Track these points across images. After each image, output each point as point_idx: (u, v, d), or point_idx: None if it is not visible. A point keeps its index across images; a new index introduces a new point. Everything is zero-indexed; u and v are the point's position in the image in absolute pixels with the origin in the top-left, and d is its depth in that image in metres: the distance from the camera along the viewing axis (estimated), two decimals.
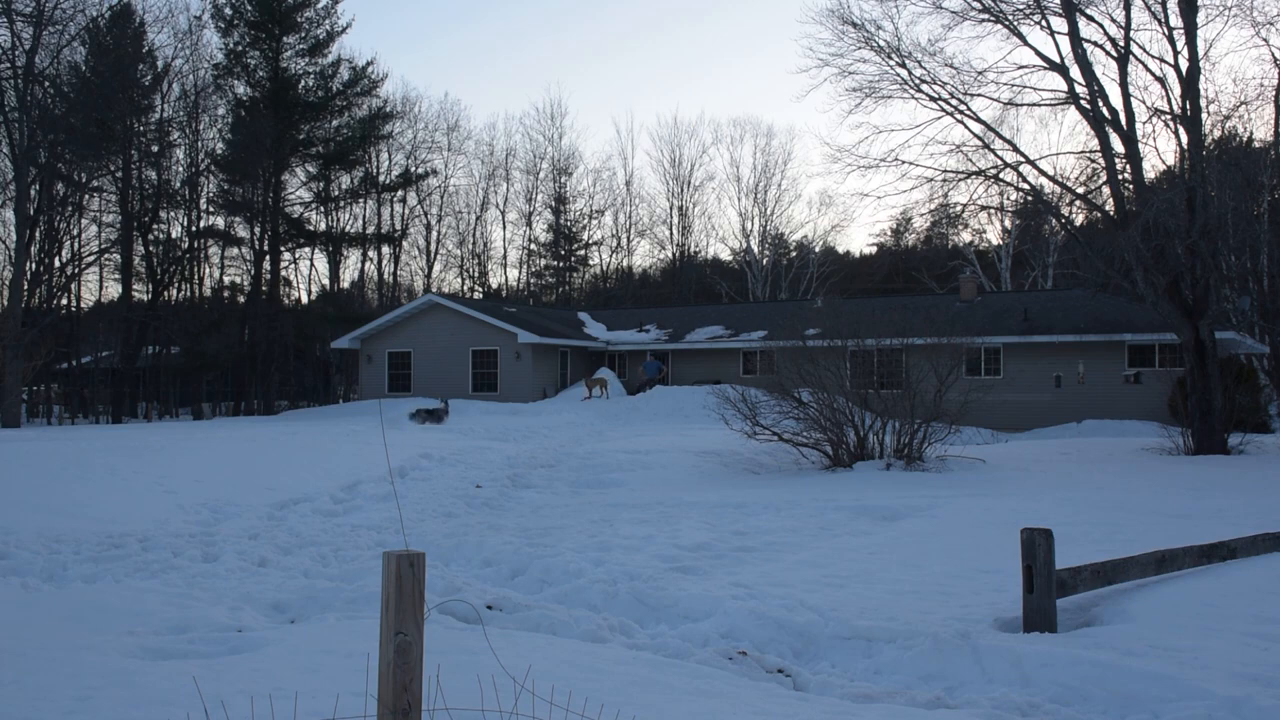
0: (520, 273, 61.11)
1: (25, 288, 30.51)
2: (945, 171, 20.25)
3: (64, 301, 38.58)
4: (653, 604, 7.16)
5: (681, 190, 60.31)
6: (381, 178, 50.18)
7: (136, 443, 16.25)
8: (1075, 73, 18.72)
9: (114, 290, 44.47)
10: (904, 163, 20.59)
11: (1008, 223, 49.25)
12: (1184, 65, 18.00)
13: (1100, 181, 20.53)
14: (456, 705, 3.63)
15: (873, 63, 20.23)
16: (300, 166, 43.10)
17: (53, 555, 9.11)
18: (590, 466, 16.28)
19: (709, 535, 10.07)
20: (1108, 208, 19.89)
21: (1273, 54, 22.74)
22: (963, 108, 19.73)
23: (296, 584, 7.83)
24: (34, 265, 33.17)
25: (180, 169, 41.25)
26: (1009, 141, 20.72)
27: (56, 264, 36.77)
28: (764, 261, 58.44)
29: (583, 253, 60.39)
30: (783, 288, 56.64)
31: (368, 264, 56.45)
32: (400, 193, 51.55)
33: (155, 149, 39.07)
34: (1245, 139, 22.03)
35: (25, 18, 29.43)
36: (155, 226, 40.04)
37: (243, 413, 38.35)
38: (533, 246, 59.42)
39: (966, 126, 20.05)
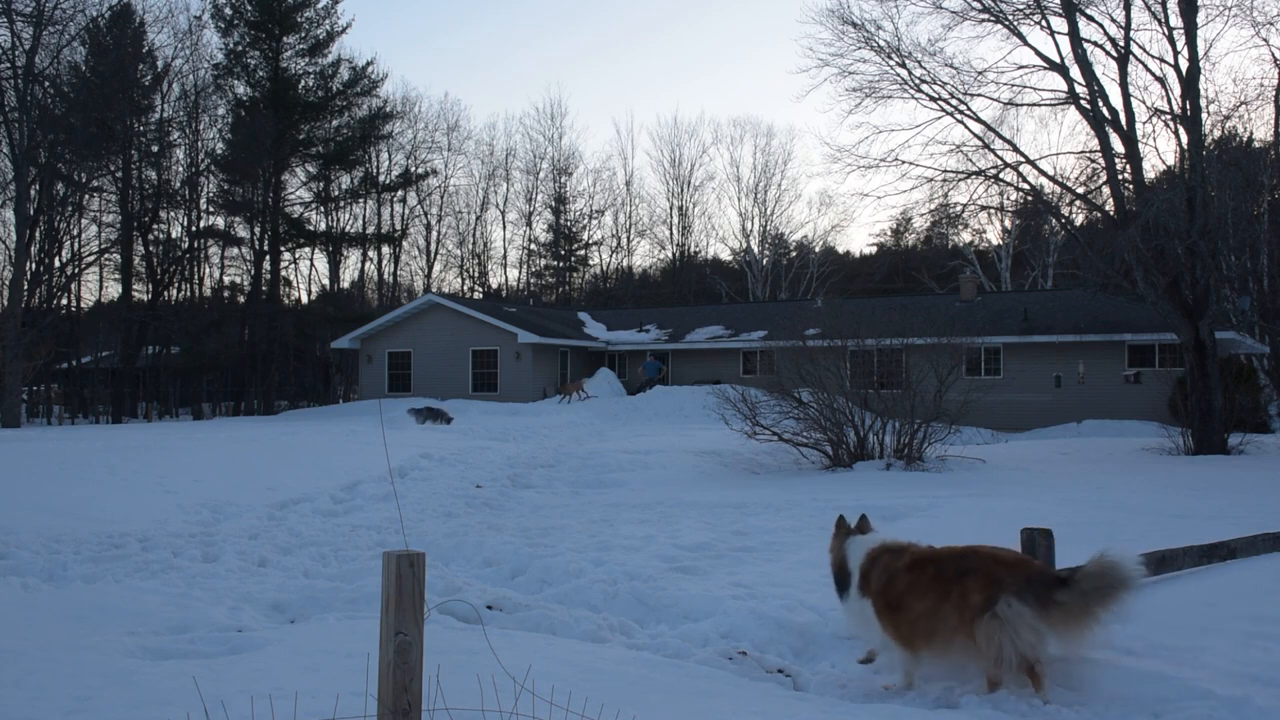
0: (520, 273, 61.22)
1: (25, 288, 30.53)
2: (945, 171, 20.24)
3: (64, 301, 38.64)
4: (653, 604, 7.15)
5: (681, 190, 60.39)
6: (381, 178, 50.22)
7: (136, 443, 16.26)
8: (1075, 73, 18.71)
9: (114, 290, 44.56)
10: (904, 163, 20.56)
11: (1008, 223, 49.29)
12: (1184, 65, 17.99)
13: (1100, 181, 20.51)
14: (456, 705, 3.63)
15: (873, 63, 20.19)
16: (300, 166, 43.17)
17: (53, 555, 9.09)
18: (590, 466, 16.27)
19: (709, 535, 10.06)
20: (1108, 208, 19.86)
21: (1273, 54, 22.76)
22: (963, 108, 19.71)
23: (296, 584, 7.82)
24: (34, 265, 33.18)
25: (180, 169, 41.33)
26: (1009, 141, 20.71)
27: (56, 264, 36.81)
28: (764, 261, 58.45)
29: (583, 253, 60.45)
30: (783, 288, 56.66)
31: (368, 264, 56.56)
32: (400, 193, 51.61)
33: (155, 149, 39.11)
34: (1245, 139, 22.04)
35: (25, 18, 29.46)
36: (155, 226, 40.10)
37: (243, 413, 38.37)
38: (533, 246, 59.49)
39: (966, 126, 20.03)
